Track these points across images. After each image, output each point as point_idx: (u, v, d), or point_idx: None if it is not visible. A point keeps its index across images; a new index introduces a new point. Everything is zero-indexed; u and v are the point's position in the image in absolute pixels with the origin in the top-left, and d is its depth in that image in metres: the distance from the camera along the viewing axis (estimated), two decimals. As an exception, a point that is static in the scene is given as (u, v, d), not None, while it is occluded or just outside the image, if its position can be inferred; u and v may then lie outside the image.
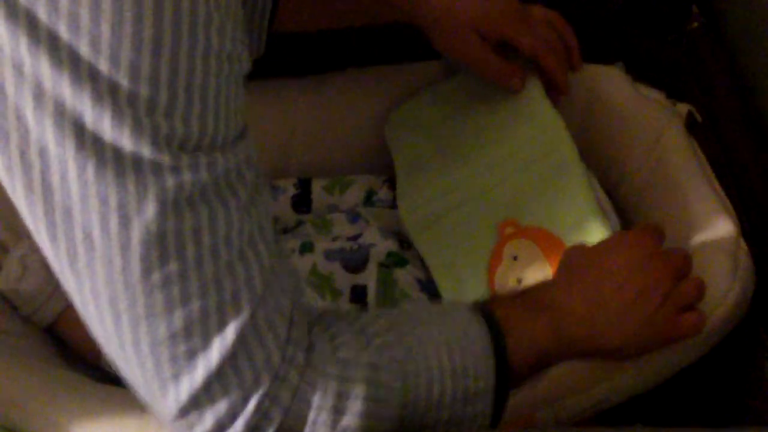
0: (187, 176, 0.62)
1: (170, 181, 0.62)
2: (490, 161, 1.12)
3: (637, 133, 1.14)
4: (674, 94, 1.16)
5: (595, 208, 1.03)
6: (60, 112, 0.59)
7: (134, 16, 0.58)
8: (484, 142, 1.14)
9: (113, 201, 0.61)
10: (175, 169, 0.62)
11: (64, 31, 0.58)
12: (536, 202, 1.07)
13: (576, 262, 0.91)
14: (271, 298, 0.68)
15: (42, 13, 0.58)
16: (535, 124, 1.11)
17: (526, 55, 1.11)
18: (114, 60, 0.58)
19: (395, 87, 1.24)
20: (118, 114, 0.60)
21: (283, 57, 1.16)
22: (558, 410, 0.94)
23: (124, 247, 0.62)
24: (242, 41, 0.66)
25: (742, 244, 1.02)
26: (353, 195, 1.21)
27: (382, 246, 1.11)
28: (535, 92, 1.11)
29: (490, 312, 0.79)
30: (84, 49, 0.58)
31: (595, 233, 1.01)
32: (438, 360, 0.74)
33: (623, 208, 1.15)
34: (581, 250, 0.93)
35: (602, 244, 0.94)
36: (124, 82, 0.59)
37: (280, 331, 0.68)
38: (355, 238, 1.13)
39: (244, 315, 0.65)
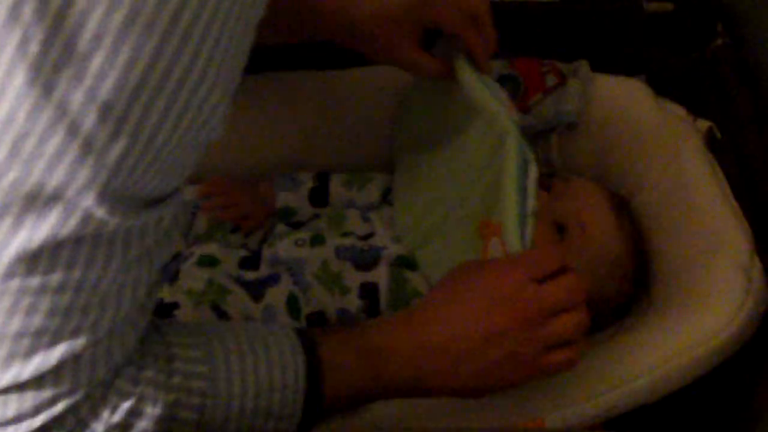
0: (94, 219, 0.61)
1: (74, 219, 0.61)
2: (460, 164, 1.11)
3: (656, 146, 1.14)
4: (695, 110, 1.16)
5: (513, 193, 0.97)
6: None
7: (129, 58, 0.56)
8: (453, 146, 1.13)
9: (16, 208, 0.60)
10: (89, 210, 0.61)
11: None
12: (495, 194, 1.04)
13: (439, 294, 0.88)
14: (113, 340, 0.69)
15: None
16: (482, 114, 1.07)
17: (449, 32, 1.07)
18: (91, 91, 0.57)
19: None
20: (68, 140, 0.58)
21: (306, 50, 1.16)
22: (568, 417, 0.93)
23: (2, 245, 0.62)
24: (223, 111, 0.64)
25: (757, 260, 1.01)
26: (371, 192, 1.21)
27: (393, 249, 1.11)
28: (467, 77, 1.06)
29: (313, 352, 0.80)
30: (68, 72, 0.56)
31: (511, 223, 0.96)
32: (241, 403, 0.76)
33: (639, 219, 1.14)
34: (451, 279, 0.89)
35: (474, 275, 0.88)
36: (91, 115, 0.57)
37: (111, 364, 0.70)
38: (366, 237, 1.13)
39: (78, 345, 0.66)
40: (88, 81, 0.56)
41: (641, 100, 1.16)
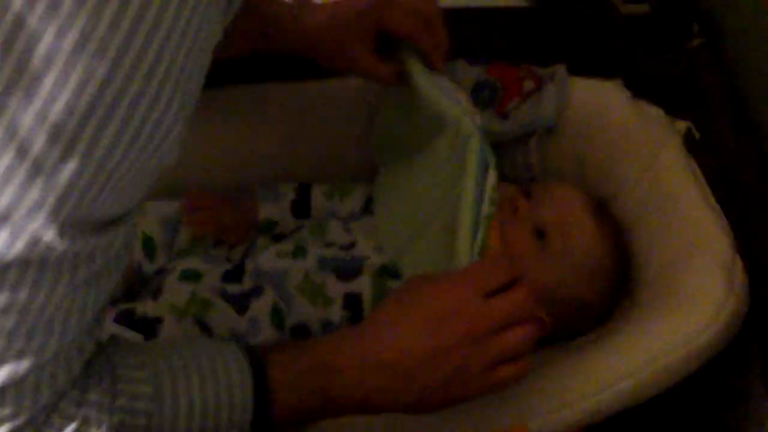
0: (42, 242, 0.61)
1: (21, 241, 0.60)
2: (436, 170, 1.10)
3: (635, 148, 1.14)
4: (673, 111, 1.16)
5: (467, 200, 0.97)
6: None
7: (80, 80, 0.56)
8: (427, 152, 1.12)
9: None
10: (36, 232, 0.60)
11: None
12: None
13: (388, 310, 0.87)
14: (58, 364, 0.69)
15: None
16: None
17: (402, 36, 1.07)
18: (42, 113, 0.57)
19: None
20: (17, 161, 0.58)
21: (282, 61, 1.16)
22: (551, 422, 0.93)
23: None
24: (178, 135, 0.64)
25: (738, 260, 1.01)
26: (352, 202, 1.21)
27: (375, 259, 1.10)
28: (419, 82, 1.06)
29: (261, 370, 0.80)
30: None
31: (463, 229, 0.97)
32: (188, 422, 0.76)
33: (620, 222, 1.14)
34: (400, 294, 0.89)
35: (422, 290, 0.87)
36: (41, 136, 0.57)
37: (56, 388, 0.69)
38: (348, 247, 1.12)
39: (22, 369, 0.66)
40: (38, 102, 0.56)
41: (618, 102, 1.17)
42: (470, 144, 0.99)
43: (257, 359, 0.81)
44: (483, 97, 1.19)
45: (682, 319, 0.97)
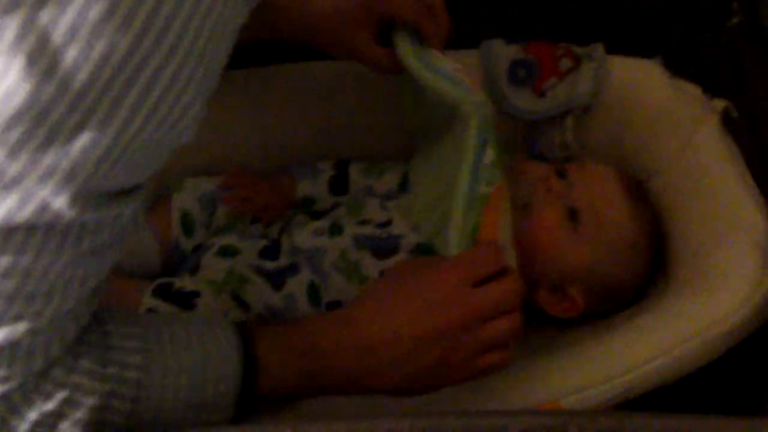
0: (51, 209, 0.62)
1: (30, 206, 0.62)
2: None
3: (672, 126, 1.13)
4: (711, 89, 1.15)
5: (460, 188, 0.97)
6: None
7: (104, 52, 0.57)
8: (452, 131, 1.10)
9: None
10: (46, 199, 0.62)
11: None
12: None
13: (375, 294, 0.88)
14: (53, 331, 0.69)
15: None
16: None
17: (403, 21, 1.07)
18: (63, 83, 0.58)
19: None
20: (33, 127, 0.59)
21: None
22: (584, 399, 0.94)
23: None
24: (196, 113, 0.65)
25: (774, 239, 1.01)
26: (389, 179, 1.21)
27: (411, 237, 1.11)
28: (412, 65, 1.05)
29: (250, 347, 0.81)
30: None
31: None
32: (175, 394, 0.77)
33: (656, 201, 1.14)
34: (388, 278, 0.90)
35: (411, 276, 0.88)
36: (61, 105, 0.58)
37: (49, 355, 0.70)
38: (384, 225, 1.13)
39: (17, 332, 0.67)
40: (60, 73, 0.57)
41: (656, 80, 1.16)
42: (468, 123, 0.98)
43: (247, 335, 0.82)
44: (520, 75, 1.19)
45: (716, 299, 0.97)
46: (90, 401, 0.72)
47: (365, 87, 1.21)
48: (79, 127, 0.59)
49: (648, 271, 1.10)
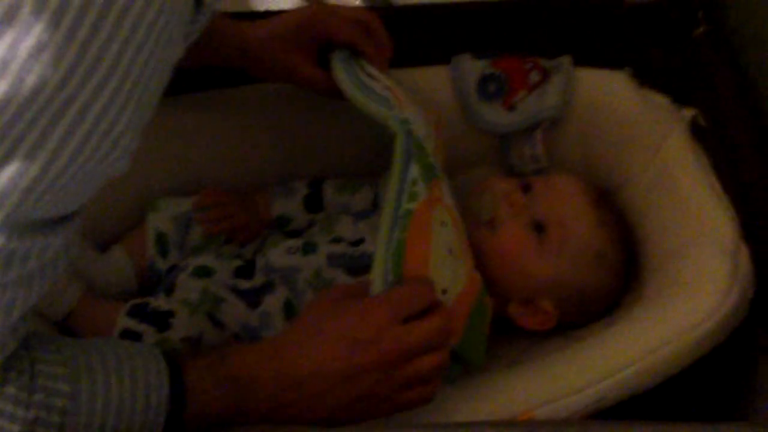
0: None
1: None
2: None
3: (641, 136, 1.14)
4: (680, 98, 1.16)
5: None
6: None
7: (34, 86, 0.57)
8: None
9: None
10: None
11: None
12: None
13: (303, 326, 0.89)
14: None
15: None
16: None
17: (345, 45, 1.09)
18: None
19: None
20: None
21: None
22: (558, 409, 0.93)
23: None
24: (128, 145, 0.65)
25: (743, 247, 1.01)
26: (364, 197, 1.21)
27: None
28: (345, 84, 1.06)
29: (179, 376, 0.81)
30: None
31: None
32: (102, 422, 0.77)
33: (626, 211, 1.14)
34: (316, 310, 0.90)
35: (339, 310, 0.88)
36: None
37: None
38: (356, 243, 1.13)
39: None
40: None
41: (623, 91, 1.16)
42: (395, 142, 0.99)
43: (176, 364, 0.82)
44: (489, 90, 1.19)
45: (686, 307, 0.97)
46: (14, 428, 0.72)
47: (336, 105, 1.21)
48: (7, 157, 0.60)
49: (618, 280, 1.10)
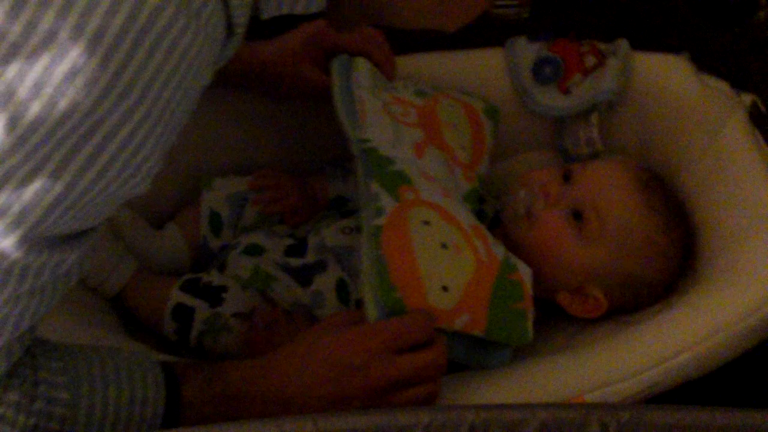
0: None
1: None
2: None
3: (699, 121, 1.12)
4: (739, 84, 1.13)
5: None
6: None
7: (65, 109, 0.58)
8: None
9: None
10: None
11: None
12: None
13: (300, 348, 0.88)
14: None
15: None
16: None
17: (355, 52, 1.10)
18: (22, 132, 0.59)
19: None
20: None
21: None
22: (608, 394, 0.92)
23: None
24: (151, 168, 0.66)
25: (801, 234, 0.99)
26: None
27: None
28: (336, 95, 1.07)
29: (176, 389, 0.82)
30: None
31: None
32: (99, 429, 0.77)
33: (685, 196, 1.12)
34: (315, 334, 0.90)
35: (336, 335, 0.89)
36: (18, 152, 0.59)
37: None
38: None
39: None
40: (21, 128, 0.58)
41: (682, 76, 1.14)
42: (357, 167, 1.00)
43: (173, 379, 0.82)
44: (545, 73, 1.18)
45: (742, 293, 0.95)
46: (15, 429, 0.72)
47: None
48: (33, 174, 0.60)
49: (671, 266, 1.07)
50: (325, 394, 0.85)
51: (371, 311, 0.90)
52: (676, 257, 1.07)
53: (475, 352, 0.96)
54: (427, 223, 0.96)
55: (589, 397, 0.92)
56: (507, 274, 0.98)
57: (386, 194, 0.97)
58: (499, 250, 1.00)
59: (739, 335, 0.93)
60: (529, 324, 0.97)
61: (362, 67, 1.08)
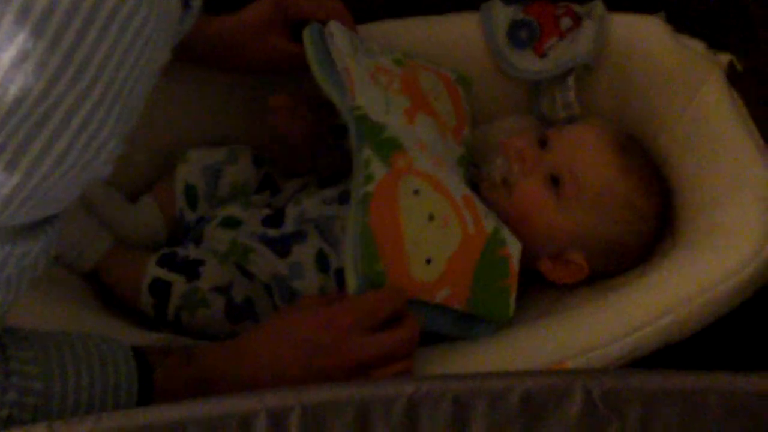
0: None
1: None
2: None
3: (676, 82, 1.10)
4: (715, 43, 1.11)
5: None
6: None
7: (16, 96, 0.56)
8: None
9: None
10: None
11: None
12: None
13: (270, 328, 0.88)
14: None
15: None
16: None
17: (321, 22, 1.06)
18: None
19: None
20: None
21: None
22: (592, 359, 0.91)
23: None
24: (111, 151, 0.64)
25: (782, 194, 0.98)
26: None
27: None
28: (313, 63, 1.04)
29: (148, 375, 0.81)
30: None
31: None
32: (71, 416, 0.74)
33: (663, 159, 1.11)
34: (285, 313, 0.90)
35: (306, 314, 0.88)
36: None
37: None
38: None
39: None
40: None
41: (658, 37, 1.12)
42: (350, 133, 0.97)
43: (145, 365, 0.81)
44: (520, 36, 1.16)
45: (722, 255, 0.94)
46: None
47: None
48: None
49: (651, 229, 1.06)
50: (298, 375, 0.84)
51: (351, 281, 0.88)
52: (655, 219, 1.06)
53: (460, 324, 0.95)
54: (416, 192, 0.94)
55: (571, 363, 0.91)
56: (495, 249, 0.97)
57: (378, 161, 0.94)
58: (490, 223, 0.99)
59: (721, 297, 0.92)
60: (512, 300, 0.97)
61: (338, 33, 1.06)
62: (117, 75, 0.59)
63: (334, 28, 1.05)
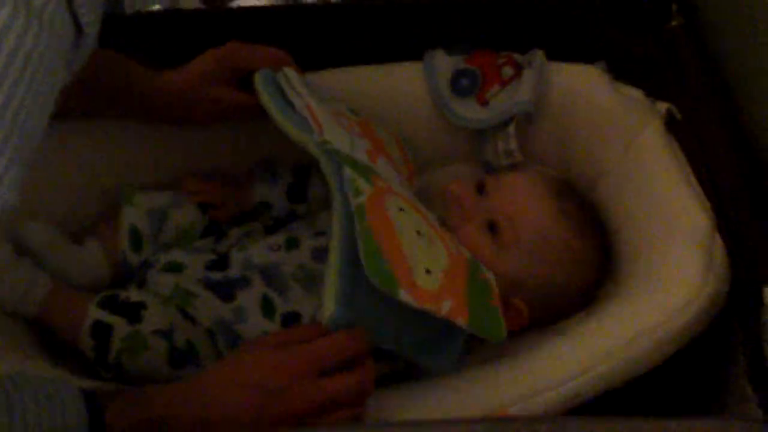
0: None
1: None
2: None
3: (615, 130, 1.10)
4: (654, 92, 1.12)
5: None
6: None
7: None
8: None
9: None
10: None
11: None
12: None
13: (223, 370, 0.87)
14: None
15: None
16: None
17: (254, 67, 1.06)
18: None
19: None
20: None
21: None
22: (531, 406, 0.89)
23: None
24: (12, 180, 0.61)
25: (718, 238, 0.97)
26: None
27: None
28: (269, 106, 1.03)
29: (99, 417, 0.79)
30: None
31: None
32: None
33: (602, 204, 1.10)
34: (237, 356, 0.89)
35: (259, 357, 0.86)
36: None
37: None
38: None
39: None
40: None
41: (597, 85, 1.12)
42: (322, 164, 0.96)
43: (96, 405, 0.79)
44: (463, 85, 1.15)
45: (660, 301, 0.93)
46: None
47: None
48: None
49: (590, 273, 1.05)
50: (248, 419, 0.82)
51: (329, 305, 0.86)
52: (594, 263, 1.05)
53: (423, 351, 0.93)
54: (402, 210, 0.93)
55: (513, 410, 0.89)
56: (477, 272, 0.96)
57: (362, 179, 0.93)
58: (464, 250, 0.98)
59: (658, 344, 0.91)
60: (502, 321, 0.95)
61: (293, 76, 1.05)
62: (11, 101, 0.58)
63: (288, 71, 1.03)
